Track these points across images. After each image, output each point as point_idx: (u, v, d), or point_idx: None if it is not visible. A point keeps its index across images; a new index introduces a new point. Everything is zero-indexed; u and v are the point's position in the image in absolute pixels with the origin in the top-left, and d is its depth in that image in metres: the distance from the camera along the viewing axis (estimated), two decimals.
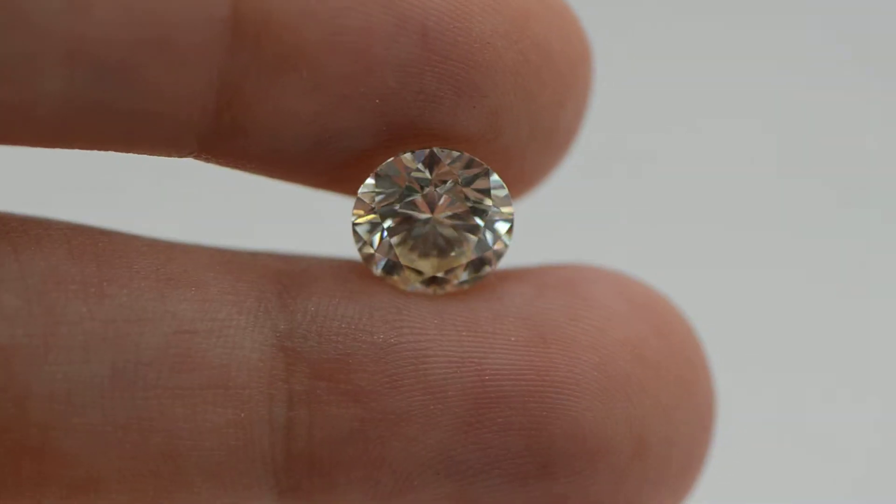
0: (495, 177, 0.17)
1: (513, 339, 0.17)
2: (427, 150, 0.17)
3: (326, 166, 0.17)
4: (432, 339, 0.17)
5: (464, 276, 0.17)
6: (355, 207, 0.17)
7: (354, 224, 0.17)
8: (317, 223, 0.21)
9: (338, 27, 0.16)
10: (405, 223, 0.17)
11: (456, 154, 0.17)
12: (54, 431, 0.16)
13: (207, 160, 0.17)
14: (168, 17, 0.15)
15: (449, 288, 0.17)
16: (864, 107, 0.48)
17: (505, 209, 0.17)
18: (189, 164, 0.17)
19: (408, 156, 0.17)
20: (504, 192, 0.17)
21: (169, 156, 0.17)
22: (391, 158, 0.17)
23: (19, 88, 0.15)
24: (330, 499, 0.17)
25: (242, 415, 0.16)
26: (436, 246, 0.17)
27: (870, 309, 0.42)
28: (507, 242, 0.17)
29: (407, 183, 0.17)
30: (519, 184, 0.18)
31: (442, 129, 0.17)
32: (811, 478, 0.37)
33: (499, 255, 0.17)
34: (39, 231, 0.16)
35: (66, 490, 0.16)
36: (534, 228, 0.21)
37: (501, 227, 0.17)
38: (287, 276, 0.17)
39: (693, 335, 0.18)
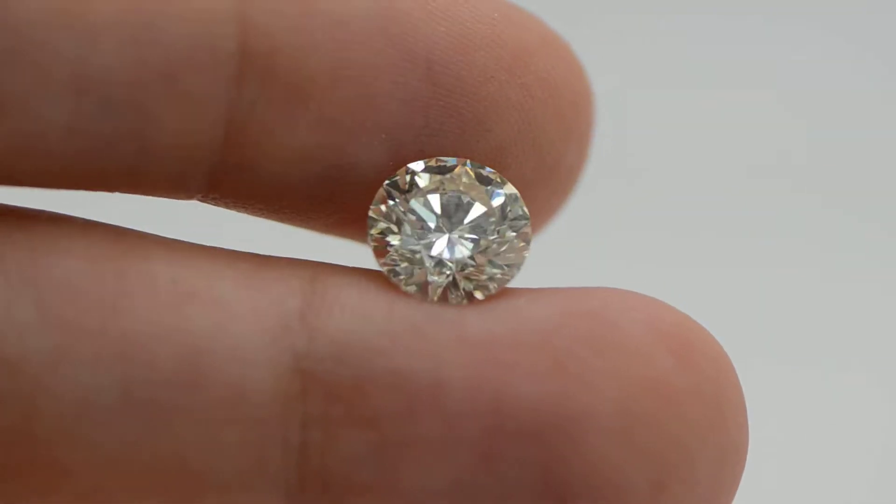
0: (510, 187, 0.17)
1: (533, 369, 0.16)
2: (434, 162, 0.17)
3: (334, 203, 0.17)
4: (451, 367, 0.16)
5: (485, 291, 0.17)
6: (370, 221, 0.17)
7: (371, 238, 0.17)
8: None
9: (344, 61, 0.16)
10: (422, 236, 0.17)
11: (467, 164, 0.17)
12: (62, 446, 0.15)
13: (214, 202, 0.17)
14: (174, 51, 0.15)
15: (474, 299, 0.17)
16: (870, 109, 0.47)
17: (522, 221, 0.17)
18: None
19: (419, 165, 0.17)
20: (521, 205, 0.17)
21: (176, 197, 0.17)
22: (402, 168, 0.17)
23: (24, 120, 0.15)
24: None
25: (255, 435, 0.16)
26: (454, 259, 0.17)
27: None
28: (526, 253, 0.17)
29: (416, 197, 0.17)
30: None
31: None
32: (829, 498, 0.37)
33: (517, 267, 0.17)
34: (59, 235, 0.16)
35: (73, 501, 0.16)
36: (556, 242, 0.20)
37: (519, 239, 0.17)
38: (310, 290, 0.17)
39: (726, 369, 0.17)
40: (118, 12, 0.15)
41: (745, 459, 0.17)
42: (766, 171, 0.46)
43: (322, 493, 0.16)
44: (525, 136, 0.17)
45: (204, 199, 0.17)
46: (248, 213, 0.18)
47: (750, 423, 0.17)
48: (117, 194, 0.17)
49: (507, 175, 0.17)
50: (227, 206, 0.17)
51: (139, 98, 0.15)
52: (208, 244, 0.17)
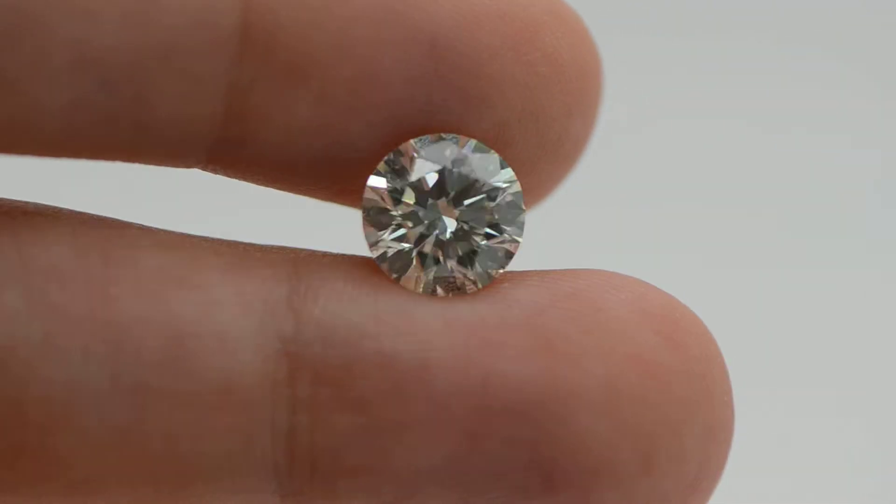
0: (508, 171, 0.17)
1: (520, 349, 0.16)
2: (431, 139, 0.17)
3: (334, 178, 0.17)
4: (438, 348, 0.16)
5: (474, 284, 0.17)
6: (364, 203, 0.17)
7: (365, 220, 0.17)
8: (331, 213, 0.21)
9: (347, 38, 0.16)
10: (417, 222, 0.17)
11: (465, 140, 0.17)
12: (52, 433, 0.15)
13: (215, 171, 0.17)
14: (175, 26, 0.15)
15: (462, 291, 0.17)
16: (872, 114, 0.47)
17: (517, 207, 0.17)
18: None
19: (414, 142, 0.17)
20: (516, 187, 0.17)
21: (175, 166, 0.17)
22: (398, 147, 0.17)
23: (24, 99, 0.15)
24: None
25: (244, 419, 0.16)
26: (447, 252, 0.17)
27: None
28: (519, 239, 0.17)
29: (415, 177, 0.17)
30: (528, 194, 0.18)
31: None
32: (824, 491, 0.37)
33: (510, 255, 0.17)
34: (45, 224, 0.16)
35: (64, 489, 0.16)
36: (548, 226, 0.20)
37: (514, 228, 0.17)
38: (296, 276, 0.17)
39: (711, 347, 0.17)
40: None
41: (732, 437, 0.17)
42: (758, 162, 0.46)
43: (311, 476, 0.16)
44: (529, 113, 0.17)
45: (204, 169, 0.17)
46: (249, 182, 0.18)
47: (737, 423, 0.17)
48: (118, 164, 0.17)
49: (510, 152, 0.17)
50: (227, 174, 0.17)
51: (139, 76, 0.15)
52: (203, 214, 0.17)
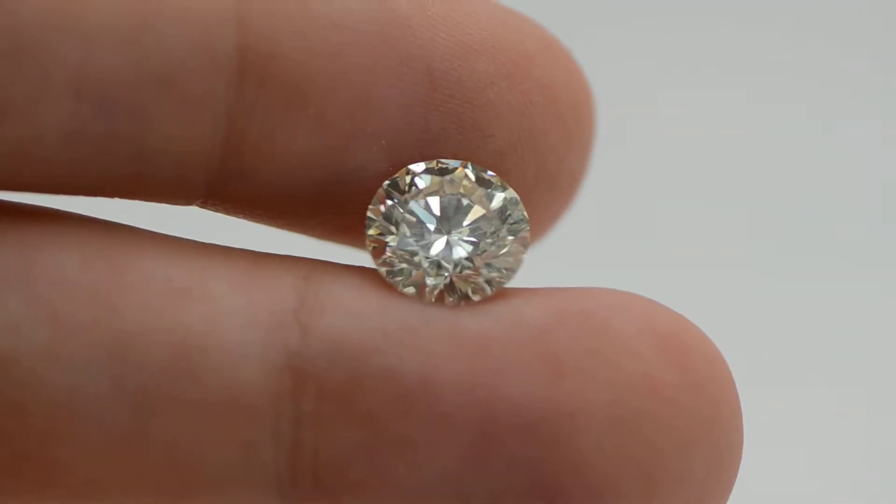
0: (511, 192, 0.17)
1: (527, 367, 0.16)
2: (436, 164, 0.17)
3: (334, 210, 0.17)
4: (444, 365, 0.16)
5: (481, 293, 0.17)
6: (368, 221, 0.17)
7: (369, 238, 0.17)
8: None
9: (343, 65, 0.16)
10: (421, 237, 0.17)
11: (469, 166, 0.17)
12: (54, 440, 0.15)
13: (214, 207, 0.17)
14: (173, 54, 0.15)
15: (469, 300, 0.17)
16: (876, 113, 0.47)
17: (522, 225, 0.17)
18: None
19: (420, 167, 0.17)
20: (520, 210, 0.17)
21: (175, 203, 0.17)
22: (402, 169, 0.17)
23: (23, 123, 0.15)
24: None
25: (247, 432, 0.16)
26: (451, 261, 0.17)
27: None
28: (524, 257, 0.17)
29: (415, 199, 0.17)
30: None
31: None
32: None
33: (513, 270, 0.17)
34: (52, 231, 0.16)
35: (65, 497, 0.16)
36: (553, 243, 0.20)
37: (517, 243, 0.17)
38: (304, 287, 0.17)
39: (721, 370, 0.17)
40: (116, 14, 0.15)
41: (740, 461, 0.17)
42: (764, 176, 0.46)
43: (314, 489, 0.16)
44: (525, 142, 0.17)
45: (203, 205, 0.17)
46: (247, 219, 0.18)
47: (746, 429, 0.17)
48: (117, 200, 0.17)
49: (508, 181, 0.17)
50: (226, 211, 0.17)
51: (137, 100, 0.15)
52: (205, 241, 0.17)
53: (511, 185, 0.17)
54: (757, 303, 0.42)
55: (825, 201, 0.46)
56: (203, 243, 0.17)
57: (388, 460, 0.16)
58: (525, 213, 0.17)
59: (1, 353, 0.15)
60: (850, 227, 0.45)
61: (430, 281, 0.17)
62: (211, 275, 0.16)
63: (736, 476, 0.17)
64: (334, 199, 0.17)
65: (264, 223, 0.18)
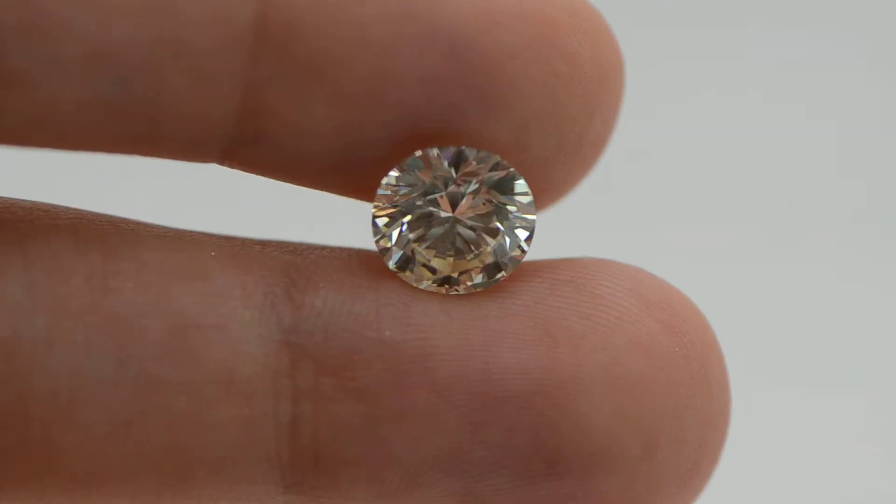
0: (521, 181, 0.17)
1: (521, 336, 0.16)
2: (454, 148, 0.17)
3: (351, 174, 0.17)
4: (439, 337, 0.16)
5: (477, 279, 0.17)
6: (377, 199, 0.17)
7: (374, 216, 0.17)
8: (333, 211, 0.21)
9: (364, 35, 0.16)
10: (425, 219, 0.17)
11: (483, 154, 0.17)
12: (56, 426, 0.16)
13: (231, 167, 0.17)
14: (189, 22, 0.15)
15: (461, 290, 0.17)
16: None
17: (527, 216, 0.17)
18: None
19: (434, 151, 0.17)
20: (529, 198, 0.17)
21: (192, 161, 0.17)
22: (418, 152, 0.17)
23: (39, 94, 0.15)
24: (335, 495, 0.17)
25: (246, 410, 0.16)
26: (453, 246, 0.17)
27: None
28: (526, 249, 0.17)
29: (431, 179, 0.17)
30: (544, 195, 0.18)
31: (468, 142, 0.17)
32: (822, 483, 0.37)
33: (515, 262, 0.17)
34: (46, 221, 0.16)
35: (68, 482, 0.16)
36: (552, 224, 0.20)
37: (521, 233, 0.17)
38: (295, 268, 0.17)
39: (708, 333, 0.17)
40: None
41: (729, 422, 0.17)
42: (762, 173, 0.46)
43: (314, 466, 0.16)
44: (548, 114, 0.17)
45: (220, 164, 0.17)
46: (263, 176, 0.17)
47: (745, 426, 0.17)
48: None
49: (528, 154, 0.17)
50: (243, 170, 0.17)
51: (154, 72, 0.15)
52: (204, 209, 0.17)
53: (532, 157, 0.17)
54: (755, 301, 0.42)
55: (825, 201, 0.46)
56: (193, 231, 0.17)
57: (387, 434, 0.16)
58: (534, 214, 0.17)
59: (1, 340, 0.15)
60: (851, 227, 0.45)
61: (429, 272, 0.17)
62: (203, 256, 0.16)
63: (726, 437, 0.17)
64: (351, 165, 0.17)
65: (282, 181, 0.17)
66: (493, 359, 0.16)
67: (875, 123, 0.48)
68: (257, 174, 0.17)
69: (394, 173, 0.17)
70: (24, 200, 0.17)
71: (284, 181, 0.17)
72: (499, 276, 0.17)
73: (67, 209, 0.17)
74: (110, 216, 0.17)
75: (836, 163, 0.47)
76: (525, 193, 0.17)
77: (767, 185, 0.46)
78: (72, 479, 0.16)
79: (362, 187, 0.17)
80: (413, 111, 0.16)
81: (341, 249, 0.18)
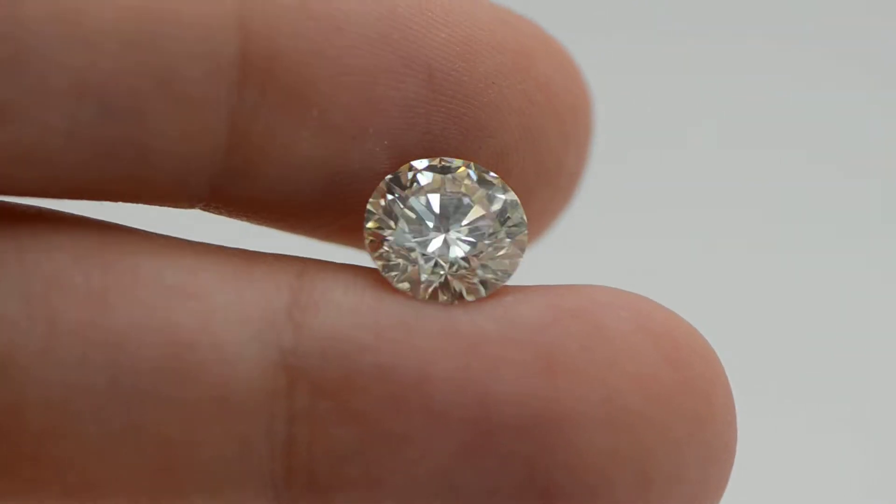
0: (511, 194, 0.17)
1: (521, 365, 0.16)
2: (437, 159, 0.17)
3: (336, 213, 0.17)
4: (438, 362, 0.16)
5: (475, 294, 0.17)
6: (367, 214, 0.17)
7: (367, 231, 0.17)
8: None
9: (345, 66, 0.16)
10: (419, 234, 0.17)
11: (471, 166, 0.17)
12: (51, 439, 0.16)
13: (217, 210, 0.17)
14: (175, 57, 0.15)
15: (463, 300, 0.17)
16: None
17: (520, 229, 0.17)
18: None
19: (416, 162, 0.17)
20: (520, 213, 0.17)
21: (178, 206, 0.17)
22: (404, 165, 0.17)
23: (25, 128, 0.15)
24: None
25: (241, 429, 0.16)
26: (448, 260, 0.17)
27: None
28: (520, 260, 0.17)
29: (415, 195, 0.17)
30: (528, 227, 0.18)
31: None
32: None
33: (509, 273, 0.17)
34: (46, 230, 0.16)
35: (61, 496, 0.16)
36: (548, 242, 0.20)
37: (514, 245, 0.17)
38: (298, 286, 0.17)
39: (714, 367, 0.17)
40: (118, 19, 0.15)
41: (734, 458, 0.17)
42: (762, 174, 0.46)
43: (308, 487, 0.16)
44: (526, 142, 0.17)
45: (206, 208, 0.17)
46: (249, 222, 0.18)
47: (743, 431, 0.17)
48: (120, 204, 0.17)
49: (510, 181, 0.17)
50: (229, 214, 0.17)
51: (139, 104, 0.15)
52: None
53: (512, 185, 0.17)
54: (753, 303, 0.42)
55: (825, 201, 0.46)
56: (196, 242, 0.17)
57: (382, 458, 0.16)
58: (524, 217, 0.17)
59: None
60: (850, 227, 0.45)
61: (424, 277, 0.17)
62: (203, 273, 0.16)
63: (730, 474, 0.17)
64: (336, 199, 0.17)
65: (267, 225, 0.18)
66: (491, 387, 0.16)
67: (875, 123, 0.48)
68: (244, 217, 0.17)
69: (382, 186, 0.17)
70: (24, 205, 0.17)
71: (272, 225, 0.18)
72: (495, 286, 0.17)
73: (69, 216, 0.17)
74: (111, 224, 0.17)
75: (834, 162, 0.47)
76: (515, 206, 0.17)
77: (766, 192, 0.46)
78: (65, 493, 0.16)
79: (348, 228, 0.17)
80: (395, 139, 0.17)
81: (346, 266, 0.17)
